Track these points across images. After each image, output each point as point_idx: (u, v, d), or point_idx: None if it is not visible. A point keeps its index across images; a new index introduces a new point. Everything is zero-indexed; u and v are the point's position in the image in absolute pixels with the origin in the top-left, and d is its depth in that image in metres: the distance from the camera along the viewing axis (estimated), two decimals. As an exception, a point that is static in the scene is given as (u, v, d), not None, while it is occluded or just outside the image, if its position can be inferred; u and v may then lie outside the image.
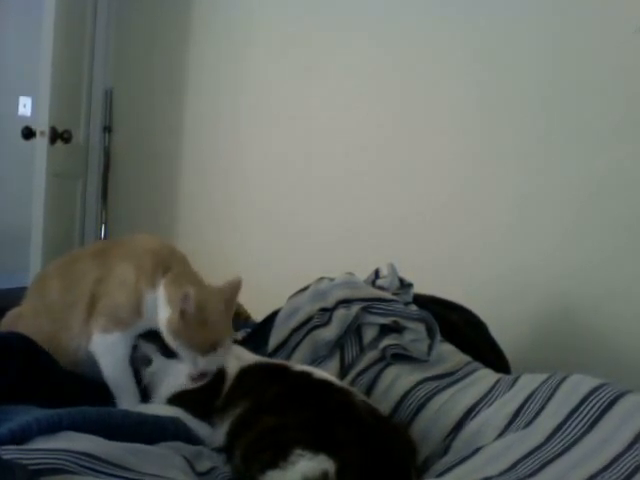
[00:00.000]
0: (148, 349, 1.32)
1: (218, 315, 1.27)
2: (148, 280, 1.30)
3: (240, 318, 1.77)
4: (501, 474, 1.04)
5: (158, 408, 1.23)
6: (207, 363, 1.24)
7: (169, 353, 1.28)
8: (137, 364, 1.34)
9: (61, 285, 1.38)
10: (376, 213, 2.41)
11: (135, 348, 1.34)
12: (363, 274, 1.73)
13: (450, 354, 1.48)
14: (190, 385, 1.25)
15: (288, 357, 1.51)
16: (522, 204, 2.08)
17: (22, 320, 1.39)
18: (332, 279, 1.64)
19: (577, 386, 1.17)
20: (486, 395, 1.29)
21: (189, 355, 1.24)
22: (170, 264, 1.34)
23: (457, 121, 2.24)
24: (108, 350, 1.31)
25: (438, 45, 2.28)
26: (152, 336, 1.31)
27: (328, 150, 2.55)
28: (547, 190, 2.03)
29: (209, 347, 1.24)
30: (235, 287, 1.33)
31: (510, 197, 2.11)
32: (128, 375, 1.32)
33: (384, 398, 1.34)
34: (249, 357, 1.34)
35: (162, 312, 1.27)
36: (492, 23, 2.16)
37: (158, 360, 1.31)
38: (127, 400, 1.30)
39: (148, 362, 1.32)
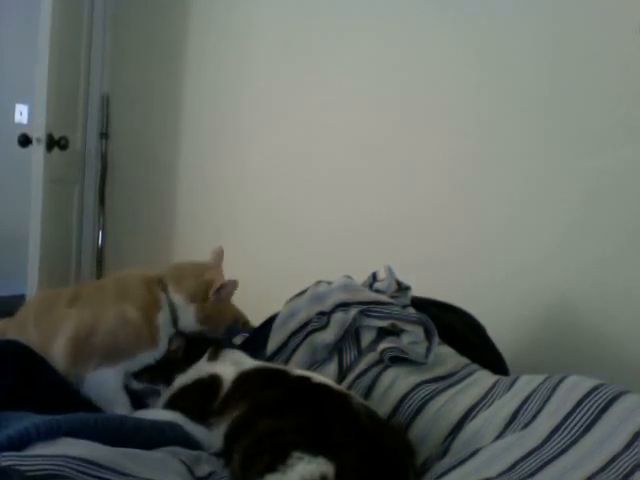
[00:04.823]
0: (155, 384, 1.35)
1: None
2: (153, 305, 1.36)
3: (238, 323, 1.77)
4: (500, 475, 1.04)
5: (156, 413, 1.24)
6: None
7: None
8: (140, 394, 1.36)
9: (37, 333, 1.37)
10: (376, 213, 2.40)
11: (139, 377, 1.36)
12: (362, 274, 1.73)
13: (448, 356, 1.48)
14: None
15: (286, 360, 1.51)
16: (522, 204, 2.07)
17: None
18: (330, 282, 1.64)
19: (575, 387, 1.17)
20: (484, 397, 1.29)
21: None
22: (159, 277, 1.41)
23: (457, 121, 2.23)
24: (102, 386, 1.33)
25: (438, 45, 2.28)
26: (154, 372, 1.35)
27: (328, 150, 2.55)
28: (547, 190, 2.02)
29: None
30: (219, 255, 1.47)
31: (510, 197, 2.10)
32: (123, 400, 1.34)
33: (382, 401, 1.34)
34: (247, 361, 1.34)
35: (184, 313, 1.37)
36: (492, 23, 2.15)
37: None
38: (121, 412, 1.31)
39: (156, 393, 1.34)
